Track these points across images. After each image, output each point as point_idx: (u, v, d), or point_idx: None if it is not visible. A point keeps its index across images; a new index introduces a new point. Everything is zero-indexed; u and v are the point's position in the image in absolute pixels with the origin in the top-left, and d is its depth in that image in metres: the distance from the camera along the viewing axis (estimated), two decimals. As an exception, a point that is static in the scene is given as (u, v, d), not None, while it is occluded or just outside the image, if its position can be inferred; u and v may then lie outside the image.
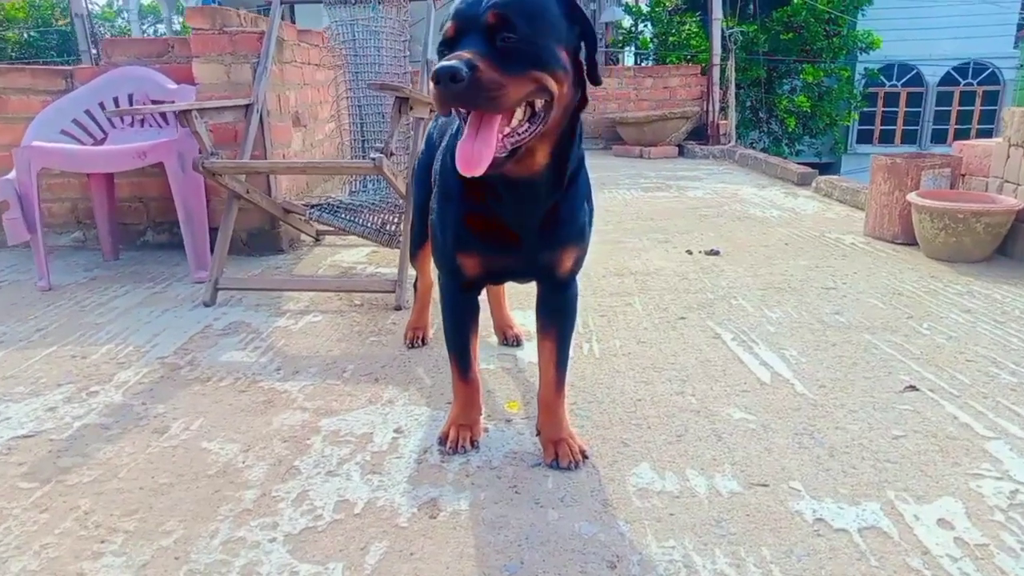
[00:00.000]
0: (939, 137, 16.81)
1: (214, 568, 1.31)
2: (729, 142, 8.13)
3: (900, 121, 17.19)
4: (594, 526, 1.41)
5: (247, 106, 3.19)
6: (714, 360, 2.23)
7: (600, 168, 7.07)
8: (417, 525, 1.43)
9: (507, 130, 1.19)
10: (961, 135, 16.04)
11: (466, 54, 1.12)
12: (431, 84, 1.11)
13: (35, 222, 3.01)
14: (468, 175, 1.16)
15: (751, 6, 11.31)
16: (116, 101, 3.42)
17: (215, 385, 2.10)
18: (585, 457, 1.64)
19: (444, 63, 1.10)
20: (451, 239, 1.49)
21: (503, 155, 1.19)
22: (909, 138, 17.20)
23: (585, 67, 1.28)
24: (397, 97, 2.67)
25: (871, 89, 15.88)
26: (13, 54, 18.12)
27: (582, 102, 1.31)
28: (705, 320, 2.59)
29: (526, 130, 1.22)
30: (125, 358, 2.31)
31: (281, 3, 3.35)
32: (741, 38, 9.35)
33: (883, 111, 17.16)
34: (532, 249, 1.44)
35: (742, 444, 1.72)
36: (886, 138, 17.22)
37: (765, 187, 5.79)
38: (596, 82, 1.30)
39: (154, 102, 3.39)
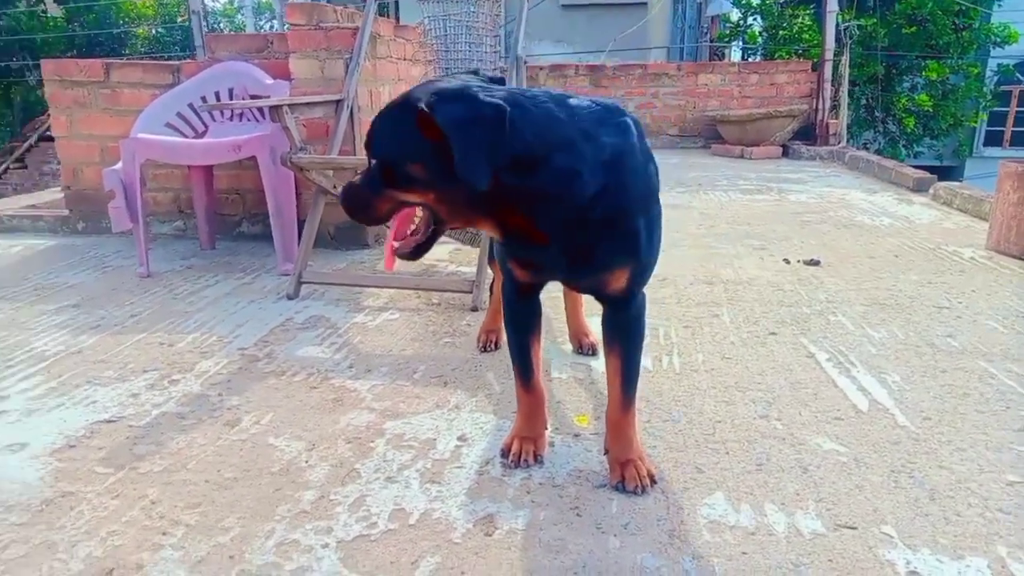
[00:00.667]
0: (1081, 140, 15.31)
1: (265, 571, 1.30)
2: (839, 143, 7.66)
3: (1035, 122, 15.77)
4: (658, 559, 1.31)
5: (338, 102, 3.24)
6: (805, 382, 2.06)
7: (696, 168, 6.82)
8: (471, 542, 1.38)
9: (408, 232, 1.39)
10: (1108, 138, 14.53)
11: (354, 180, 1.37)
12: None
13: (138, 211, 3.16)
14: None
15: (870, -2, 10.64)
16: (217, 95, 3.55)
17: (289, 380, 2.12)
18: (653, 482, 1.54)
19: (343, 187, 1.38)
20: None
21: (407, 251, 1.38)
22: (1046, 141, 15.77)
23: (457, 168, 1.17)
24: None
25: (1004, 87, 14.63)
26: (142, 49, 19.40)
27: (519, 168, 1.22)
28: (798, 337, 2.41)
29: (427, 230, 1.36)
30: (208, 348, 2.37)
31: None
32: (858, 32, 8.79)
33: (1016, 111, 15.79)
34: (570, 259, 1.37)
35: (830, 479, 1.57)
36: (1019, 140, 15.84)
37: (876, 192, 5.41)
38: (464, 178, 1.16)
39: (252, 97, 3.49)
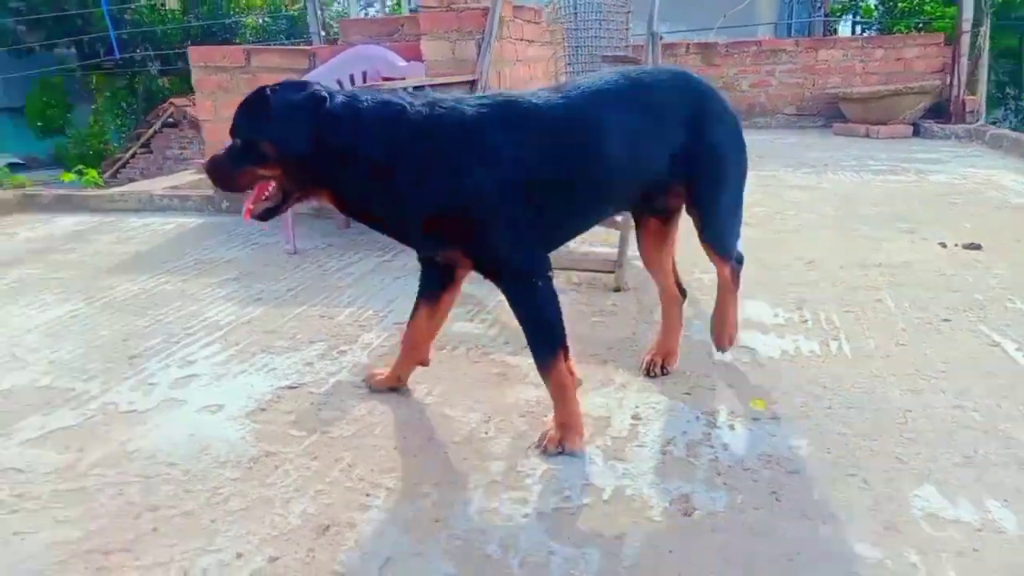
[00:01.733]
0: None
1: (472, 536, 1.33)
2: (976, 120, 7.14)
3: None
4: (878, 550, 1.26)
5: (472, 82, 3.26)
6: (997, 372, 1.92)
7: (817, 148, 6.51)
8: (671, 521, 1.36)
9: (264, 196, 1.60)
10: None
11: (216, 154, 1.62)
12: None
13: (287, 190, 3.28)
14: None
15: (1008, -36, 9.80)
16: (351, 79, 3.64)
17: (449, 354, 2.16)
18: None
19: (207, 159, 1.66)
20: None
21: (259, 212, 1.62)
22: None
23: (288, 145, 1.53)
24: (633, 70, 2.57)
25: None
26: (250, 38, 20.22)
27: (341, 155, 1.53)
28: (976, 324, 2.25)
29: (276, 198, 1.60)
30: (366, 321, 2.45)
31: (511, -22, 3.38)
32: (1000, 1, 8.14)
33: None
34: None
35: (1051, 476, 1.46)
36: None
37: (1026, 173, 5.01)
38: (298, 154, 1.53)
39: (384, 79, 3.56)
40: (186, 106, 15.00)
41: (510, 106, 1.61)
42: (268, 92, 1.52)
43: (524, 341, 2.20)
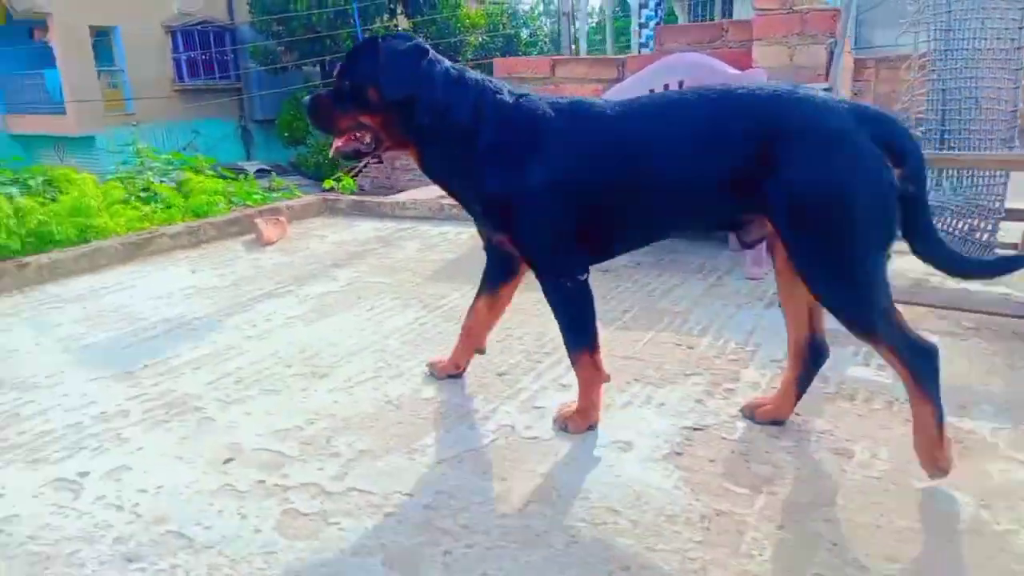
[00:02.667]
0: None
1: None
2: None
3: None
4: None
5: (824, 91, 2.91)
6: None
7: None
8: None
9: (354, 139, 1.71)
10: None
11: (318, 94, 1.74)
12: None
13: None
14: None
15: None
16: (666, 88, 3.43)
17: (867, 406, 1.83)
18: None
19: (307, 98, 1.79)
20: None
21: (348, 150, 1.72)
22: None
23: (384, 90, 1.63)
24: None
25: None
26: (470, 56, 21.20)
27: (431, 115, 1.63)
28: None
29: (366, 144, 1.72)
30: (734, 354, 2.19)
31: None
32: None
33: None
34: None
35: None
36: None
37: None
38: (393, 98, 1.62)
39: (708, 89, 3.31)
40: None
41: (579, 111, 1.64)
42: (379, 40, 1.62)
43: (958, 399, 1.85)
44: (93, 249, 3.36)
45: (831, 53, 3.01)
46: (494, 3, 20.96)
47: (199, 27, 19.86)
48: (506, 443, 1.71)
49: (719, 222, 1.73)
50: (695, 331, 2.40)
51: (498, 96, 1.64)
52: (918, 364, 1.45)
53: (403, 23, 21.08)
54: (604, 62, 3.83)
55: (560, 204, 1.61)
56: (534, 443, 1.71)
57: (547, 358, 2.21)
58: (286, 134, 20.99)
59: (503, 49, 21.91)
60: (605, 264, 3.17)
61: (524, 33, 26.05)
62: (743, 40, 3.30)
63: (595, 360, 1.74)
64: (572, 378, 2.05)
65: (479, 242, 1.93)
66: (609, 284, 2.97)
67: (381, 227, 4.24)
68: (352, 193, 5.83)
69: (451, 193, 1.80)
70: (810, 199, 1.43)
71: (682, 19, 13.88)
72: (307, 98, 1.77)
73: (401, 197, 4.88)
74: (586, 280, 1.70)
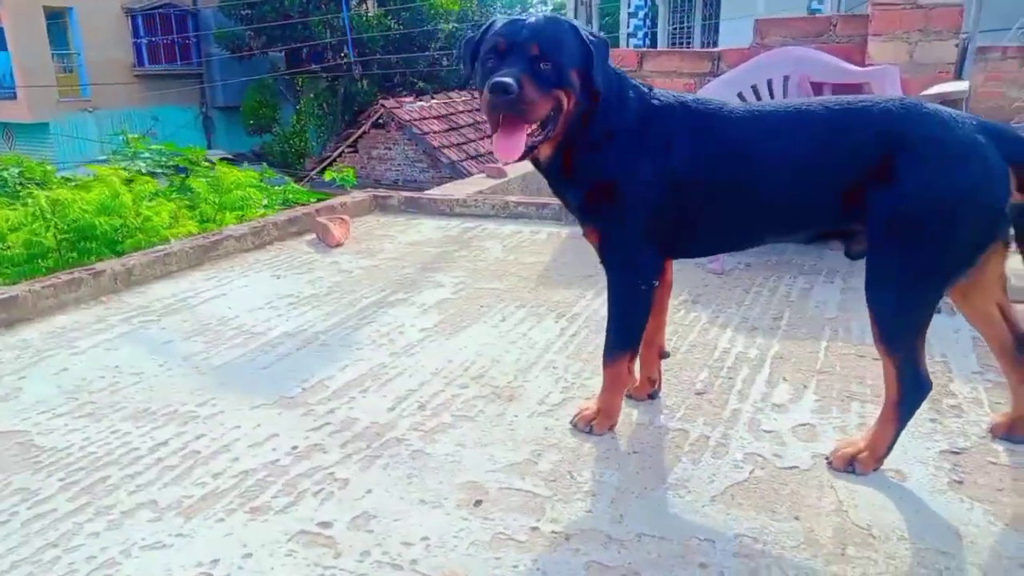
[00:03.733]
0: None
1: None
2: None
3: None
4: None
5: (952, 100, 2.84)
6: None
7: None
8: None
9: (530, 130, 1.54)
10: None
11: (512, 74, 1.47)
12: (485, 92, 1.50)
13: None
14: (503, 162, 1.76)
15: None
16: (769, 84, 3.33)
17: None
18: None
19: (498, 79, 1.46)
20: None
21: (524, 150, 1.53)
22: None
23: (594, 79, 1.55)
24: None
25: None
26: (443, 44, 20.79)
27: (592, 104, 1.58)
28: None
29: (540, 135, 1.56)
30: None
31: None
32: None
33: None
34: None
35: None
36: None
37: None
38: (598, 89, 1.56)
39: (813, 84, 3.22)
40: (395, 108, 15.57)
41: (696, 112, 1.62)
42: (568, 23, 1.57)
43: None
44: (164, 254, 3.09)
45: (963, 49, 2.94)
46: (466, -11, 20.57)
47: (160, 9, 18.98)
48: (767, 475, 1.58)
49: (824, 232, 1.68)
50: (867, 340, 2.30)
51: (652, 95, 1.65)
52: (910, 395, 1.53)
53: (371, 9, 20.55)
54: (697, 55, 3.72)
55: (670, 197, 1.61)
56: (797, 474, 1.58)
57: (735, 372, 2.08)
58: (251, 122, 20.29)
59: (474, 38, 21.52)
60: (718, 265, 3.08)
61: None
62: (852, 35, 3.21)
63: (631, 366, 1.80)
64: (783, 397, 1.94)
65: (565, 243, 1.83)
66: (728, 286, 2.86)
67: (446, 225, 4.04)
68: (362, 187, 5.60)
69: (565, 194, 1.73)
70: (921, 210, 1.43)
71: (663, 12, 13.85)
72: (500, 78, 1.46)
73: (455, 193, 4.67)
74: (655, 289, 1.72)
